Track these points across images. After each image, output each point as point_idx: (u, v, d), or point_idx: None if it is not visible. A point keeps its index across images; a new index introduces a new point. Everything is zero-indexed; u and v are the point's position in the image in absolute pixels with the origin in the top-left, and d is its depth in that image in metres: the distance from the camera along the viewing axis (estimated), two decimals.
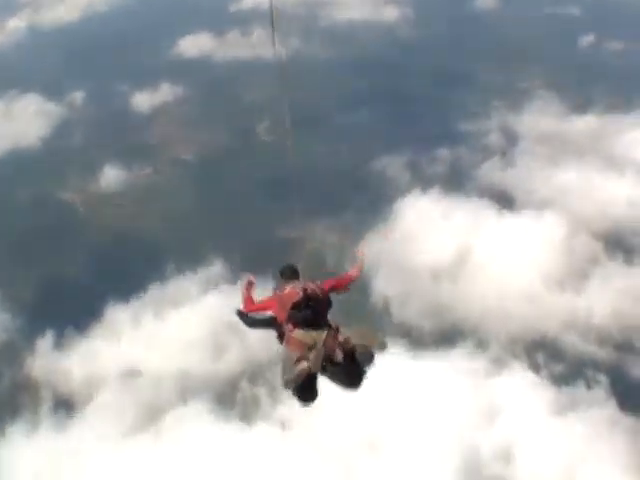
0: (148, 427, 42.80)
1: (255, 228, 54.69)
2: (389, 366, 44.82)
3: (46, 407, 44.66)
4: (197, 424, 42.45)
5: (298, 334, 12.56)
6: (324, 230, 54.82)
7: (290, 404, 45.33)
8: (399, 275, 52.27)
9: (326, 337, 12.33)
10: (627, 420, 44.25)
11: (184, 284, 51.49)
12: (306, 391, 12.69)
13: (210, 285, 51.41)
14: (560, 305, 50.92)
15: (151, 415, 43.48)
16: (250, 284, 13.73)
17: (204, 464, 40.01)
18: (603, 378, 46.86)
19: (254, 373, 46.07)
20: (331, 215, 55.43)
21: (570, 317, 50.22)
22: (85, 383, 45.88)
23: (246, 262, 51.66)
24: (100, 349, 47.81)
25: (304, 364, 12.29)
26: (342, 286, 13.75)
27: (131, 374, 46.21)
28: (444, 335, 48.73)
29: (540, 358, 47.93)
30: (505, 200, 58.95)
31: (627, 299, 51.41)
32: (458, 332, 48.80)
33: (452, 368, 45.72)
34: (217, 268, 52.34)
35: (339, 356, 12.38)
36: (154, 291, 50.93)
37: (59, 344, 48.22)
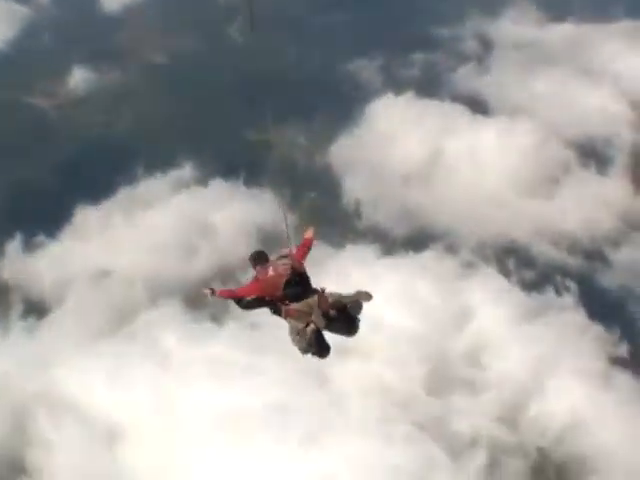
0: (119, 329, 42.71)
1: (225, 131, 54.01)
2: (358, 269, 45.21)
3: (16, 312, 44.40)
4: (168, 325, 42.35)
5: (295, 306, 13.53)
6: (294, 133, 54.26)
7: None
8: (370, 178, 52.10)
9: (319, 300, 13.40)
10: (595, 328, 44.77)
11: (154, 186, 51.01)
12: (321, 348, 14.06)
13: (180, 187, 51.07)
14: (531, 212, 51.10)
15: (122, 317, 43.34)
16: (213, 292, 13.96)
17: (174, 363, 40.16)
18: (572, 285, 47.25)
19: (225, 275, 45.93)
20: (302, 118, 54.74)
21: (541, 224, 50.47)
22: (55, 286, 45.54)
23: (216, 164, 51.39)
24: (70, 252, 47.46)
25: (311, 327, 13.43)
26: (307, 251, 14.47)
27: (102, 276, 45.92)
28: (414, 238, 48.85)
29: (510, 263, 48.24)
30: (478, 106, 58.44)
31: (598, 208, 51.62)
32: (428, 235, 48.94)
33: (422, 271, 45.87)
34: (187, 170, 51.90)
35: (333, 313, 13.58)
36: (124, 193, 50.46)
37: (28, 247, 47.81)
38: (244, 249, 47.07)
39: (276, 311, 13.79)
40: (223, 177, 51.12)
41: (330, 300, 13.46)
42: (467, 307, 44.68)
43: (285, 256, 13.82)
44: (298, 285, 13.38)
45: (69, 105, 60.19)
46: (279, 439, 36.40)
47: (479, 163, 52.68)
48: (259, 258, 13.76)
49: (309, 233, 14.57)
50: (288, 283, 13.34)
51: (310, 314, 13.43)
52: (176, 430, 37.90)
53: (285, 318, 13.58)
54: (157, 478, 36.82)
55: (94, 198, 49.48)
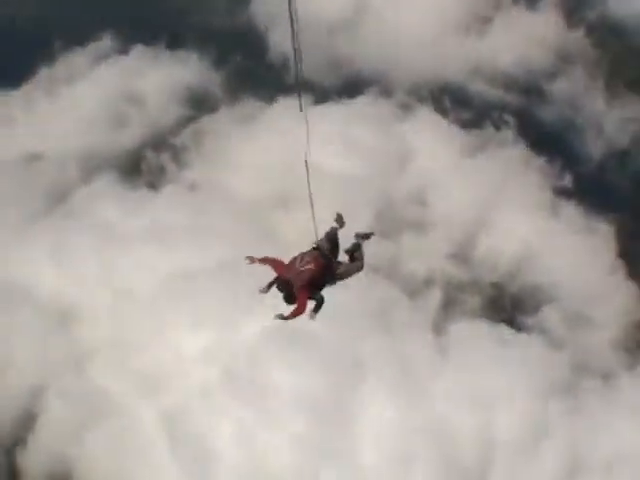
0: (56, 209, 41.59)
1: None
2: (291, 120, 44.38)
3: None
4: (105, 198, 41.40)
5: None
6: None
7: (196, 168, 44.95)
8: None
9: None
10: (536, 160, 45.18)
11: (74, 61, 48.95)
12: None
13: (101, 58, 49.08)
14: (464, 51, 50.46)
15: (58, 197, 42.11)
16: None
17: (117, 234, 39.43)
18: (511, 120, 47.36)
19: (157, 141, 45.45)
20: None
21: (475, 62, 49.87)
22: None
23: (135, 32, 49.45)
24: None
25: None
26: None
27: (32, 160, 44.42)
28: (347, 86, 47.89)
29: (446, 103, 47.85)
30: None
31: (531, 45, 51.02)
32: (360, 82, 48.01)
33: (358, 116, 45.29)
34: (106, 41, 49.57)
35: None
36: (43, 73, 48.32)
37: None
38: (174, 112, 46.35)
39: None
40: (144, 43, 49.30)
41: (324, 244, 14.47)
42: (407, 148, 44.58)
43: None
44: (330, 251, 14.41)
45: None
46: (232, 296, 35.89)
47: (406, 5, 51.26)
48: (286, 283, 13.33)
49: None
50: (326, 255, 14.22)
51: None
52: (127, 300, 37.41)
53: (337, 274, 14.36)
54: (116, 352, 36.37)
55: (14, 82, 47.46)
